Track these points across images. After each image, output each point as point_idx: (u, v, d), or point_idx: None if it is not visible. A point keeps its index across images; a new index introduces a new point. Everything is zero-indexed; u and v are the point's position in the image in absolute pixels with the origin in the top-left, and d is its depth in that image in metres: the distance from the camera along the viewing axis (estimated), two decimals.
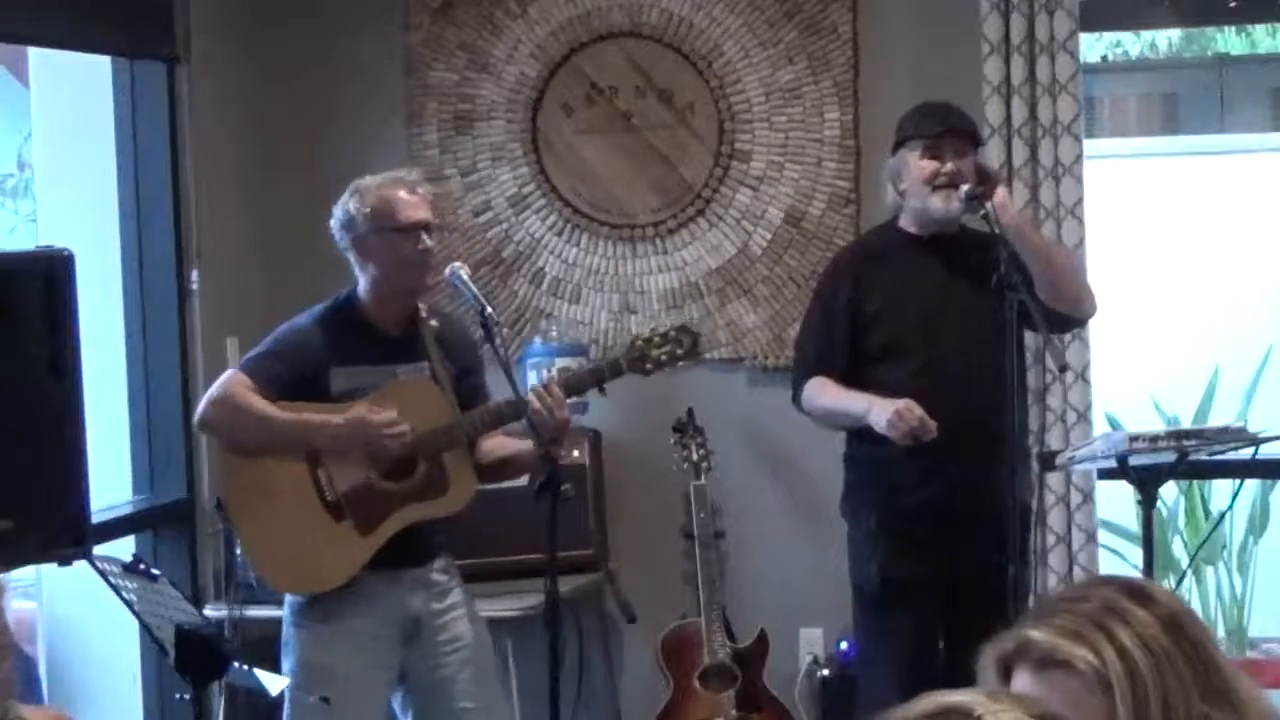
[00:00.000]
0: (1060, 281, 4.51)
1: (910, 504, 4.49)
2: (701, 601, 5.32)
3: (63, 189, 5.40)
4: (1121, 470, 4.39)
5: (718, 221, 5.65)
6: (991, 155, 5.14)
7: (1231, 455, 4.57)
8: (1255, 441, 4.36)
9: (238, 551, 4.35)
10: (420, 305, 4.32)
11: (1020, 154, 5.30)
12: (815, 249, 5.54)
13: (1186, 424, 6.74)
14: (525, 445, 4.28)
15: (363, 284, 4.26)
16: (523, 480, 4.80)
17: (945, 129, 4.54)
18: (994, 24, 5.27)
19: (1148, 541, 4.49)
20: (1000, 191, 4.54)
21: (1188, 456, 4.37)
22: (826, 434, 4.78)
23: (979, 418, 4.35)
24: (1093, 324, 5.15)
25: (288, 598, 4.29)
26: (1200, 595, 7.00)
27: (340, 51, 5.79)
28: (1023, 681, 1.78)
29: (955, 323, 4.50)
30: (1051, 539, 5.29)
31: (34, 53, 5.42)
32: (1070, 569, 5.30)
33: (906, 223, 4.64)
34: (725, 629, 5.35)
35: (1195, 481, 6.74)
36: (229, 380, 4.22)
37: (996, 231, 4.33)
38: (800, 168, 5.58)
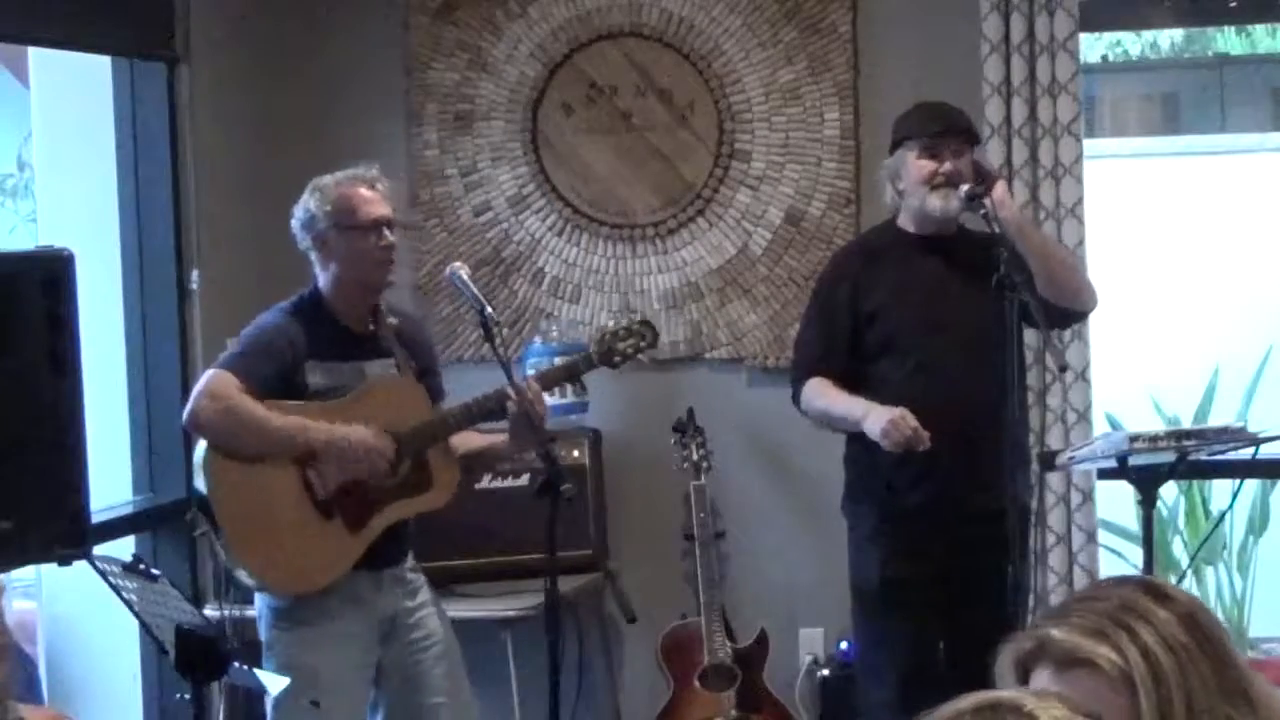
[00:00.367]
0: (1060, 275, 4.52)
1: (910, 503, 4.50)
2: (701, 601, 5.32)
3: (63, 189, 5.40)
4: (1121, 470, 4.40)
5: (718, 221, 5.65)
6: (991, 155, 5.15)
7: (1231, 455, 4.58)
8: (1255, 441, 4.36)
9: (219, 551, 4.29)
10: (380, 303, 4.34)
11: (1020, 154, 5.30)
12: (815, 249, 5.54)
13: (1186, 424, 6.73)
14: (495, 439, 4.34)
15: (324, 281, 4.27)
16: (523, 480, 4.79)
17: (942, 129, 4.55)
18: (994, 24, 5.27)
19: (1148, 541, 4.49)
20: (999, 187, 4.54)
21: (1188, 456, 4.37)
22: (826, 434, 4.78)
23: (978, 416, 4.35)
24: (1093, 324, 5.16)
25: (266, 600, 4.26)
26: (1200, 595, 6.99)
27: (340, 51, 5.79)
28: (1043, 681, 1.76)
29: (954, 321, 4.50)
30: (1051, 539, 5.29)
31: (34, 53, 5.42)
32: (1070, 569, 5.30)
33: (906, 222, 4.64)
34: (725, 629, 5.35)
35: (1195, 481, 6.74)
36: (220, 382, 4.14)
37: (995, 230, 4.33)
38: (800, 168, 5.58)
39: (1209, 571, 7.02)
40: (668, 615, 5.47)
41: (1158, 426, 6.64)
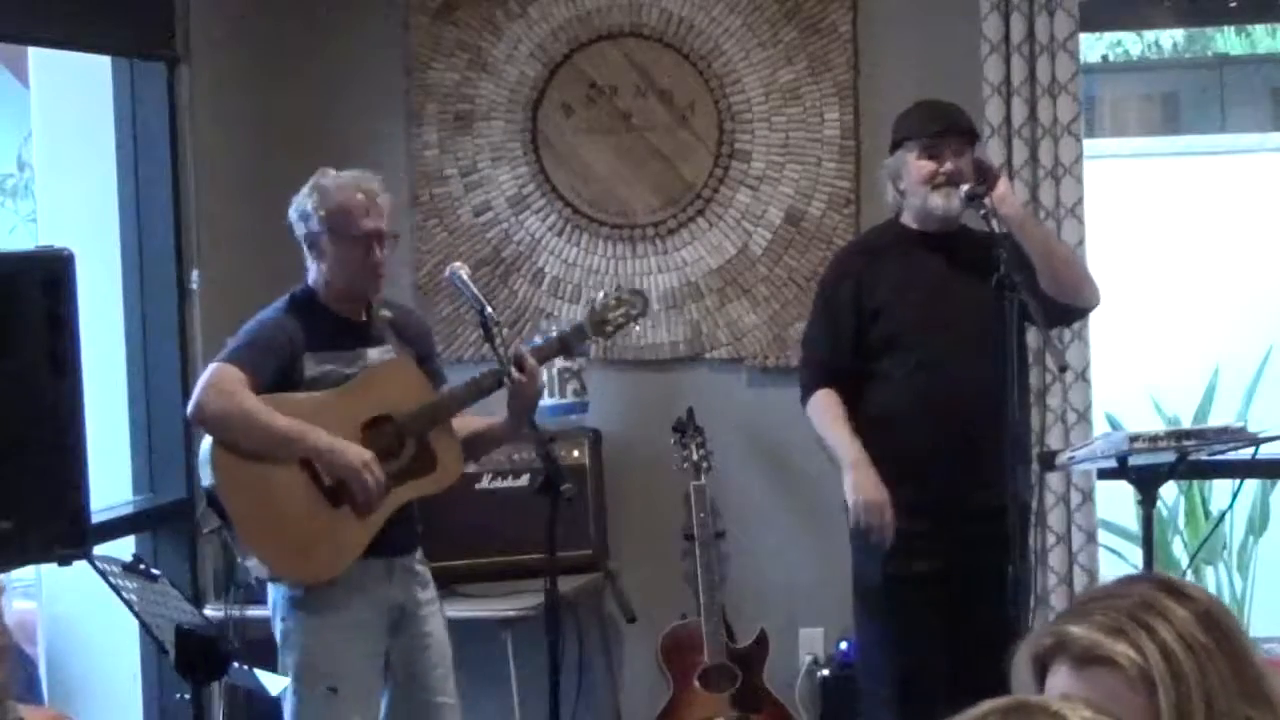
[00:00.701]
0: (1061, 271, 4.52)
1: (910, 501, 4.50)
2: (701, 601, 5.32)
3: (63, 189, 5.40)
4: (1121, 470, 4.40)
5: (718, 221, 5.65)
6: (992, 155, 5.14)
7: (1231, 455, 4.58)
8: (1255, 441, 4.37)
9: (230, 544, 4.29)
10: (372, 301, 4.37)
11: (1020, 154, 5.30)
12: (815, 249, 5.54)
13: (1186, 424, 6.73)
14: (493, 421, 4.36)
15: (314, 276, 4.30)
16: (523, 480, 4.79)
17: (942, 128, 4.55)
18: (994, 24, 5.27)
19: (1148, 541, 4.49)
20: (1001, 183, 4.55)
21: (1188, 456, 4.37)
22: None
23: (980, 413, 4.36)
24: (1093, 324, 5.16)
25: (280, 591, 4.27)
26: None
27: (340, 51, 5.79)
28: (1061, 678, 1.75)
29: (956, 319, 4.51)
30: (1051, 539, 5.28)
31: (34, 53, 5.42)
32: (1070, 569, 5.30)
33: (908, 220, 4.65)
34: (725, 629, 5.35)
35: (1195, 481, 6.74)
36: (224, 375, 4.14)
37: (996, 229, 4.33)
38: (800, 168, 5.58)
39: (1209, 571, 7.02)
40: (668, 615, 5.47)
41: (1158, 426, 6.64)
